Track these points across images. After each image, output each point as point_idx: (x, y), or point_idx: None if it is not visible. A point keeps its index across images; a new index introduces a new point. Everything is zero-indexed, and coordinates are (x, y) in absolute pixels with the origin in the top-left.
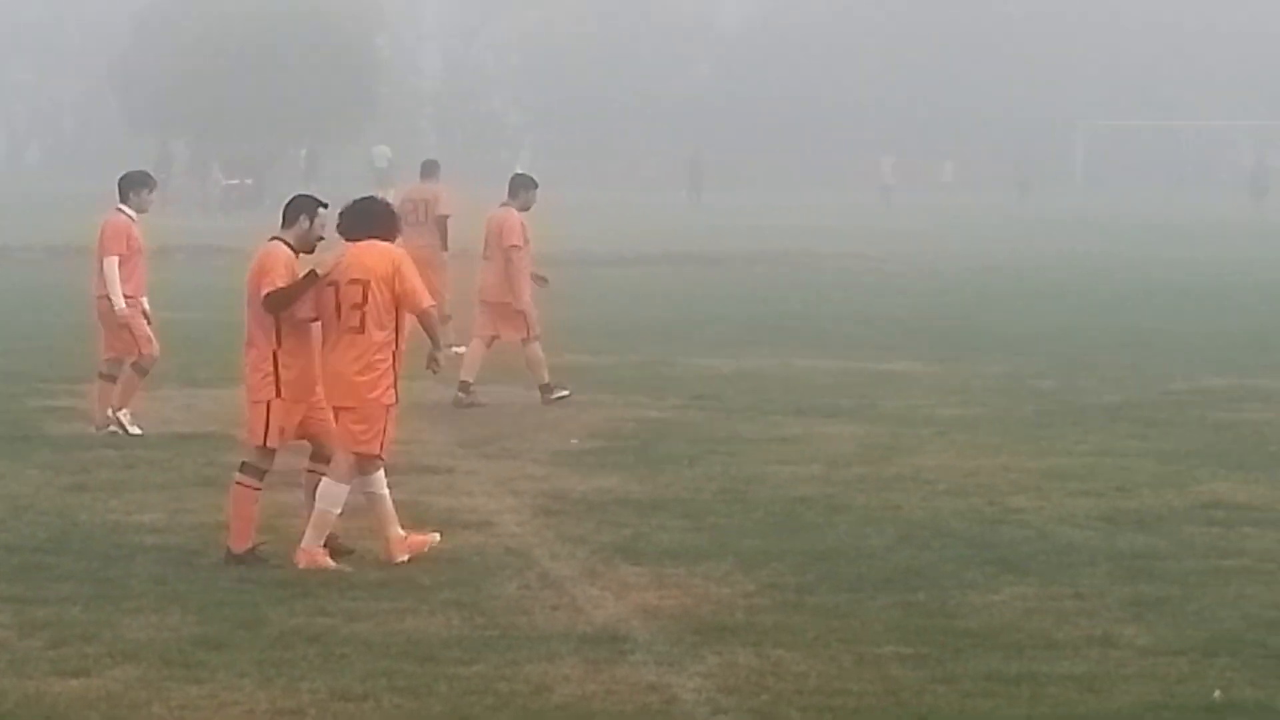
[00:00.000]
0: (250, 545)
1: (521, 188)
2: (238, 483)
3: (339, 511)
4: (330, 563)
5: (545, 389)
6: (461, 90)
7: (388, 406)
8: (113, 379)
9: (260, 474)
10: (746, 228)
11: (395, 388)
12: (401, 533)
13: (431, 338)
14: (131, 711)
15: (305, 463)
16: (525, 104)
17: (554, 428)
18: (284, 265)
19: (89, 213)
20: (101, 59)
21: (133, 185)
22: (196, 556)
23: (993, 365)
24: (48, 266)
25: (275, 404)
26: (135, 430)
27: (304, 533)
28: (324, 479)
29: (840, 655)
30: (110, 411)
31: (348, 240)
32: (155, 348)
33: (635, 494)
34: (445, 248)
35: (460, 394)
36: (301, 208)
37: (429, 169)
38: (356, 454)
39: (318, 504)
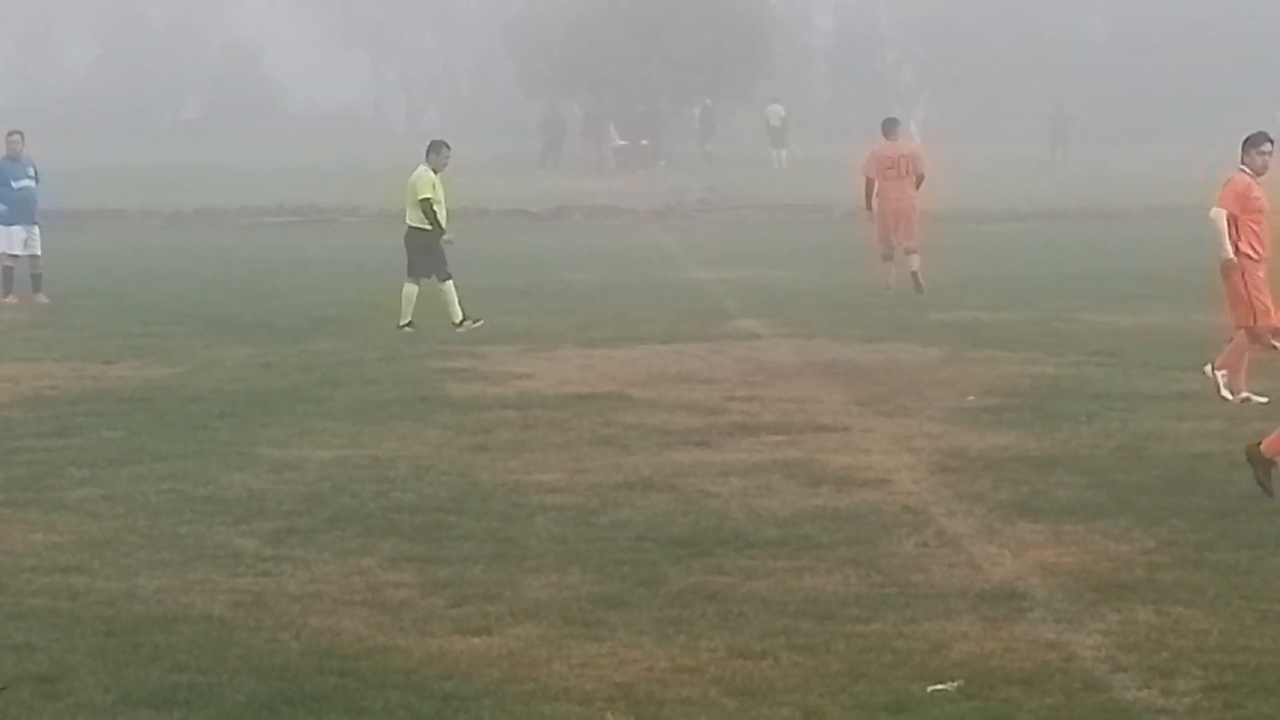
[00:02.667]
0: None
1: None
2: None
3: None
4: None
5: None
6: (854, 47)
7: None
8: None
9: None
10: (1127, 181)
11: None
12: None
13: None
14: (532, 669)
15: None
16: (918, 60)
17: (950, 385)
18: None
19: (522, 177)
20: (497, 22)
21: (1254, 145)
22: (595, 515)
23: None
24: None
25: None
26: (1241, 397)
27: None
28: None
29: (1242, 613)
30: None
31: None
32: (1271, 321)
33: (1032, 451)
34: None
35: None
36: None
37: (891, 126)
38: None
39: None
